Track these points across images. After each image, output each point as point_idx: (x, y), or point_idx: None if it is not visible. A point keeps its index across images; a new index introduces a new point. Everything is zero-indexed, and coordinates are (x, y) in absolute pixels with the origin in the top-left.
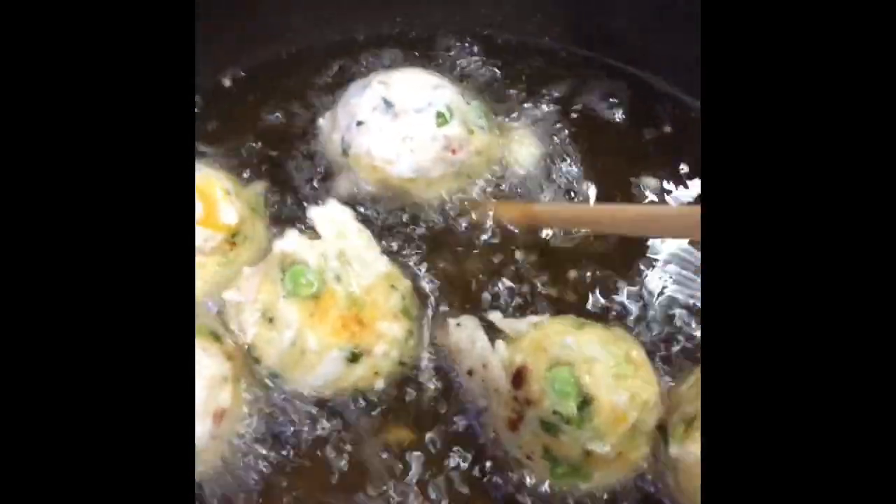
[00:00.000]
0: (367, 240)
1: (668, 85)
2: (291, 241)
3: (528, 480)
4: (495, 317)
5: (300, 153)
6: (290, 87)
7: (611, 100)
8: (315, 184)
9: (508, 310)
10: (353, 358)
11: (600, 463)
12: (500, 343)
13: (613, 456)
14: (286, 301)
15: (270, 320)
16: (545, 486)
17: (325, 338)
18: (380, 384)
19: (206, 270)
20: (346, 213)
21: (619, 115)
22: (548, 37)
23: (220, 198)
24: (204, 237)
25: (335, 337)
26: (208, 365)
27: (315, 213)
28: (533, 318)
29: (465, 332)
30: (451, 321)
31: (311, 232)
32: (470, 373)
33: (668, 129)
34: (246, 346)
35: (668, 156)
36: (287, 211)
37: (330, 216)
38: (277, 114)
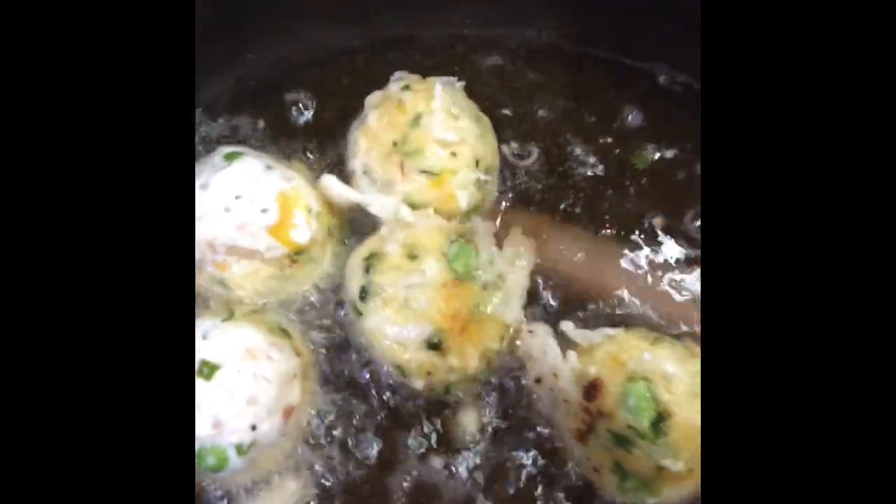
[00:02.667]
0: None
1: None
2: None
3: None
4: (567, 326)
5: None
6: None
7: None
8: None
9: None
10: (432, 346)
11: (671, 479)
12: (571, 353)
13: (685, 473)
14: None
15: (414, 257)
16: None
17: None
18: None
19: (256, 277)
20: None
21: None
22: None
23: (299, 214)
24: (267, 244)
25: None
26: (279, 361)
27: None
28: (608, 331)
29: (537, 340)
30: (525, 328)
31: None
32: (538, 381)
33: None
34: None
35: None
36: None
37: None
38: None
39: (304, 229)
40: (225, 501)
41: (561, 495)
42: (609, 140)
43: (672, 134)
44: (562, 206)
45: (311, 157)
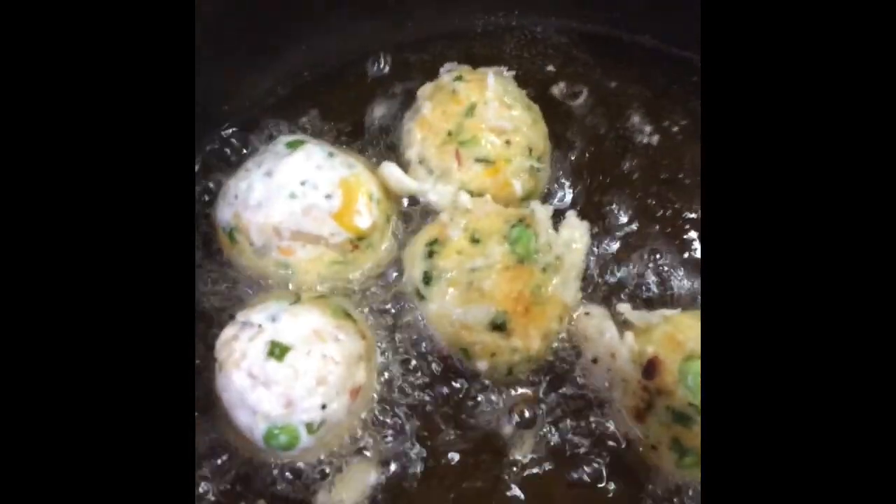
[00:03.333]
0: None
1: None
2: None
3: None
4: (624, 308)
5: None
6: None
7: None
8: None
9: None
10: (497, 327)
11: None
12: (628, 334)
13: None
14: (503, 245)
15: (476, 241)
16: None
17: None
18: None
19: (320, 262)
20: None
21: None
22: None
23: (362, 200)
24: (331, 230)
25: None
26: (346, 343)
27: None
28: (665, 311)
29: (593, 321)
30: (581, 310)
31: None
32: (595, 360)
33: None
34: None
35: None
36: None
37: None
38: None
39: (366, 215)
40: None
41: (619, 474)
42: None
43: None
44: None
45: (368, 149)
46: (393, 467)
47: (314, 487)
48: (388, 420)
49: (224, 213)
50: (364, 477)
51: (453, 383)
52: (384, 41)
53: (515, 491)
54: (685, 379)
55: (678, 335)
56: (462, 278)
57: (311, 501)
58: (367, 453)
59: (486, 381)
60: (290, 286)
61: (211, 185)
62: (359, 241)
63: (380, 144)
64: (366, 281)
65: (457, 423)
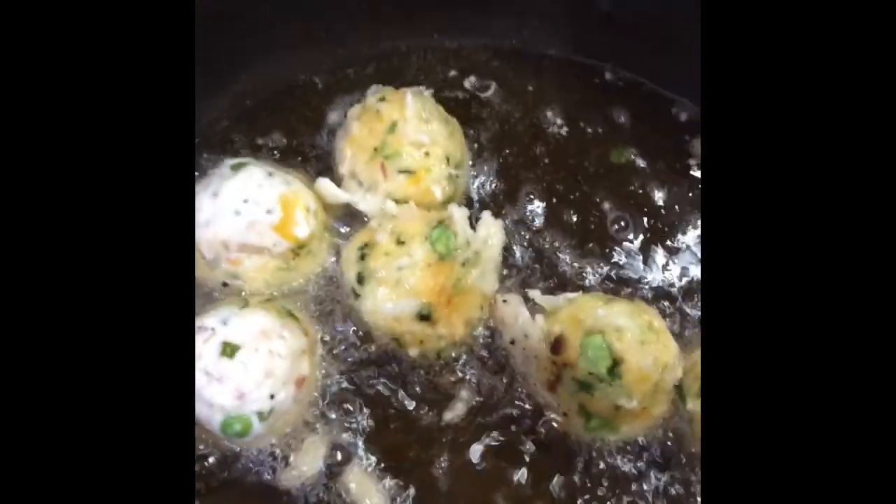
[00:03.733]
0: None
1: None
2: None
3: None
4: (535, 294)
5: None
6: None
7: None
8: None
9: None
10: (423, 318)
11: (628, 417)
12: (538, 317)
13: (639, 410)
14: (425, 245)
15: (402, 243)
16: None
17: (425, 291)
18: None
19: (266, 269)
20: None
21: None
22: None
23: (299, 213)
24: (273, 241)
25: (428, 296)
26: (290, 340)
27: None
28: (568, 295)
29: (509, 308)
30: (499, 297)
31: None
32: (512, 342)
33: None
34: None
35: None
36: None
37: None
38: None
39: (304, 226)
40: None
41: (540, 437)
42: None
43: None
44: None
45: (305, 167)
46: (344, 437)
47: (272, 465)
48: (334, 403)
49: None
50: (317, 449)
51: (387, 367)
52: (318, 68)
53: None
54: (586, 352)
55: (580, 314)
56: (391, 276)
57: (273, 479)
58: (317, 432)
59: (417, 364)
60: (243, 293)
61: None
62: (299, 249)
63: (318, 163)
64: (308, 283)
65: (395, 399)
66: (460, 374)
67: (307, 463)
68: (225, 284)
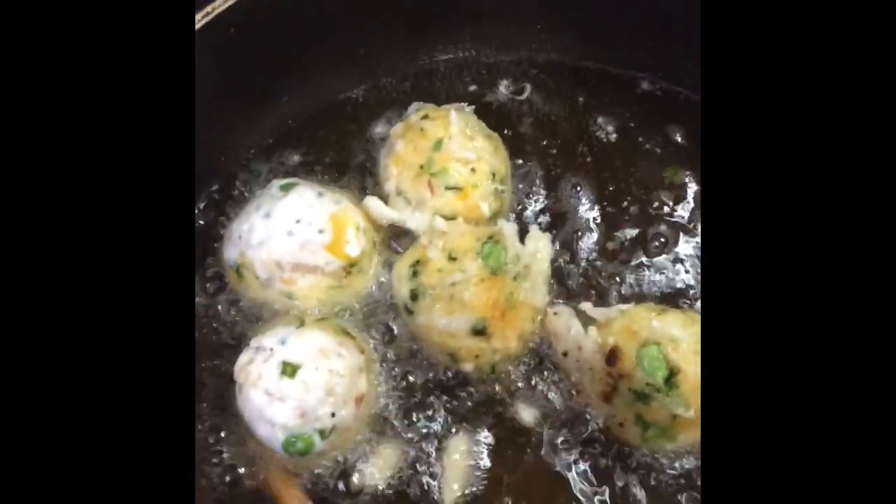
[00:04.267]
0: None
1: None
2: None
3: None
4: (586, 306)
5: None
6: None
7: None
8: None
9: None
10: (478, 332)
11: (684, 426)
12: (591, 328)
13: (695, 419)
14: (477, 260)
15: (454, 259)
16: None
17: (479, 305)
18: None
19: (318, 289)
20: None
21: None
22: None
23: (350, 231)
24: (326, 260)
25: (482, 311)
26: (347, 357)
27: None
28: (621, 306)
29: (561, 320)
30: (550, 310)
31: None
32: (565, 354)
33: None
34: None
35: None
36: None
37: None
38: None
39: (354, 244)
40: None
41: (597, 450)
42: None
43: None
44: None
45: (351, 185)
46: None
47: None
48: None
49: (231, 253)
50: (390, 455)
51: (442, 381)
52: (358, 86)
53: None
54: (642, 363)
55: (633, 326)
56: (444, 292)
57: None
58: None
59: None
60: (295, 312)
61: (218, 228)
62: (350, 267)
63: (362, 180)
64: (359, 301)
65: (453, 409)
66: (519, 386)
67: (380, 469)
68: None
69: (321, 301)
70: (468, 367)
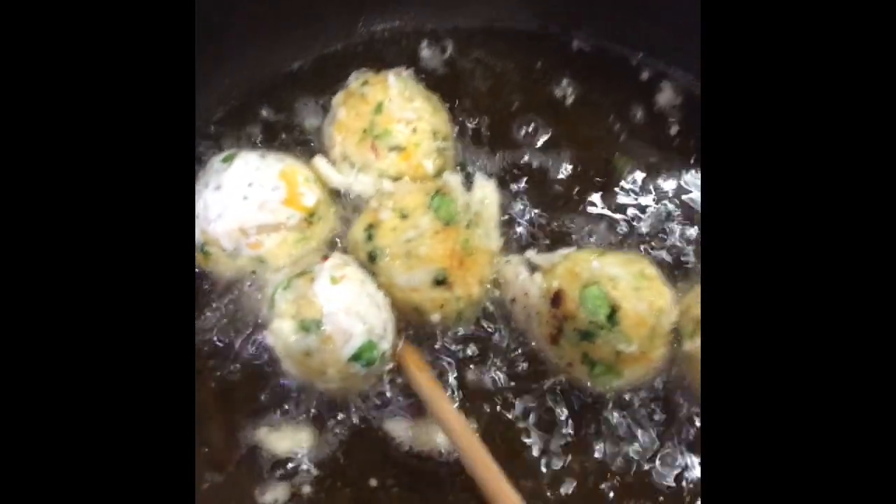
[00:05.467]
0: None
1: None
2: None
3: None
4: (530, 253)
5: None
6: None
7: None
8: None
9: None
10: (439, 283)
11: (629, 361)
12: (537, 274)
13: (639, 354)
14: (428, 214)
15: (405, 217)
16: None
17: (437, 257)
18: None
19: (286, 244)
20: None
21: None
22: None
23: (301, 183)
24: (287, 215)
25: (440, 261)
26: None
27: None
28: (563, 251)
29: (510, 267)
30: (502, 259)
31: None
32: (513, 300)
33: None
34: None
35: None
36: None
37: None
38: None
39: (309, 194)
40: None
41: (547, 388)
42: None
43: None
44: None
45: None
46: None
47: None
48: None
49: None
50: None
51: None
52: (298, 59)
53: None
54: (584, 303)
55: (575, 268)
56: (401, 250)
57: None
58: None
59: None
60: (266, 274)
61: None
62: (311, 217)
63: (308, 151)
64: (324, 248)
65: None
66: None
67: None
68: (254, 273)
69: (292, 256)
70: (435, 317)
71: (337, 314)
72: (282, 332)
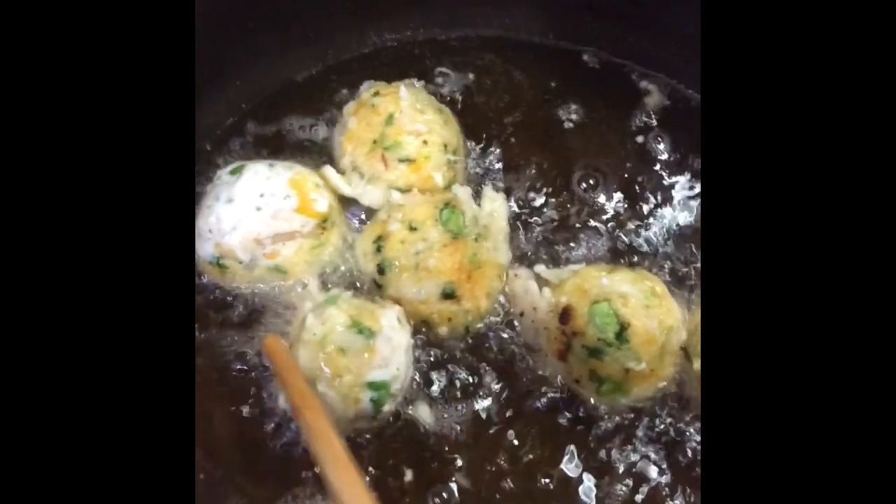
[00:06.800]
0: None
1: None
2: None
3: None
4: (540, 269)
5: None
6: None
7: None
8: None
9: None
10: (447, 296)
11: (637, 379)
12: (545, 289)
13: (647, 372)
14: (437, 226)
15: (414, 229)
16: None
17: (445, 270)
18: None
19: (302, 251)
20: None
21: None
22: None
23: (311, 190)
24: (301, 223)
25: (449, 274)
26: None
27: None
28: (573, 267)
29: (519, 282)
30: (511, 272)
31: None
32: (522, 314)
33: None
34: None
35: None
36: None
37: None
38: None
39: (321, 200)
40: None
41: (549, 403)
42: None
43: None
44: None
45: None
46: None
47: None
48: None
49: (205, 249)
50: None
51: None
52: (309, 68)
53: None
54: (593, 319)
55: (584, 285)
56: (409, 262)
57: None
58: None
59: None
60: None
61: None
62: (324, 223)
63: (317, 161)
64: (339, 254)
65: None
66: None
67: None
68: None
69: (308, 262)
70: (443, 331)
71: (391, 339)
72: (331, 318)
